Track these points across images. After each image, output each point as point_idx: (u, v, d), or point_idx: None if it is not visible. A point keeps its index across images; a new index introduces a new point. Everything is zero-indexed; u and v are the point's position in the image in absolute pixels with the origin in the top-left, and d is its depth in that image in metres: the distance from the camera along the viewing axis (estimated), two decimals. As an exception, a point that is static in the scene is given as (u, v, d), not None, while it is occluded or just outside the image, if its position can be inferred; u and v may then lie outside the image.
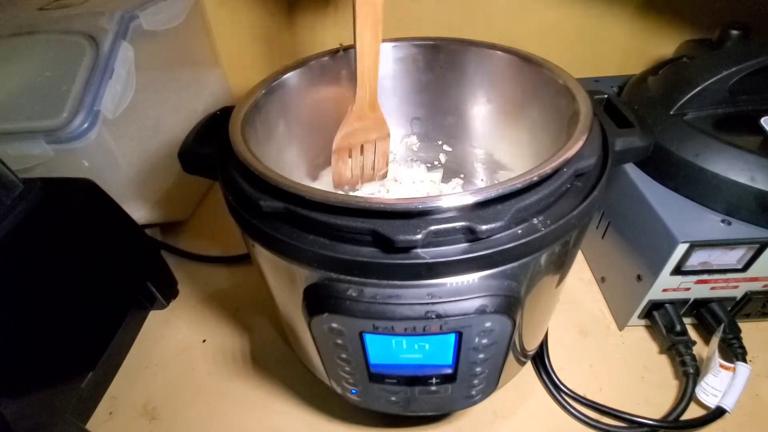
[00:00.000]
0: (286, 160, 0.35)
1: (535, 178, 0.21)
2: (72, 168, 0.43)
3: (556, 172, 0.23)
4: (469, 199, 0.21)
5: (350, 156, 0.37)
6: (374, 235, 0.21)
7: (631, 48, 0.62)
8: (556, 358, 0.39)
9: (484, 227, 0.20)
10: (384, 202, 0.21)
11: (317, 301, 0.23)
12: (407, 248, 0.21)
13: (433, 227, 0.20)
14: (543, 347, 0.39)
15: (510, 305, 0.23)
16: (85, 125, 0.41)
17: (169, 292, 0.47)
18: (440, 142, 0.43)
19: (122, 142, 0.46)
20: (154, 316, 0.46)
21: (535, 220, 0.22)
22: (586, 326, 0.42)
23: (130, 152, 0.48)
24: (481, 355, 0.25)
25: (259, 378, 0.41)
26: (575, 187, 0.24)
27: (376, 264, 0.21)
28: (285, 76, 0.33)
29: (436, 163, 0.43)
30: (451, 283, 0.22)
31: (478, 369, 0.26)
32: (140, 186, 0.50)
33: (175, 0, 0.53)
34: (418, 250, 0.21)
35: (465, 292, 0.22)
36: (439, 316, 0.22)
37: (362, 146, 0.37)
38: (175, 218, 0.56)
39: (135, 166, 0.49)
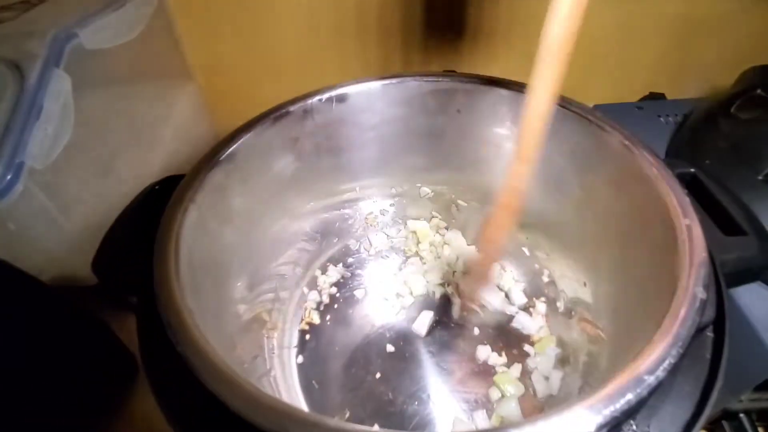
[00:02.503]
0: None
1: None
2: (-6, 232, 0.34)
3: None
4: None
5: None
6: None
7: (666, 60, 0.53)
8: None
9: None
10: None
11: None
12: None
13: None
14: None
15: None
16: (5, 182, 0.33)
17: (124, 376, 0.39)
18: (453, 196, 0.35)
19: (60, 193, 0.38)
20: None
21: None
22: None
23: (72, 203, 0.39)
24: None
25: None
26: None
27: None
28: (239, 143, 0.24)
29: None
30: None
31: None
32: (92, 240, 0.42)
33: (128, 10, 0.44)
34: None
35: None
36: None
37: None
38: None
39: (83, 216, 0.40)
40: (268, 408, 0.13)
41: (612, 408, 0.12)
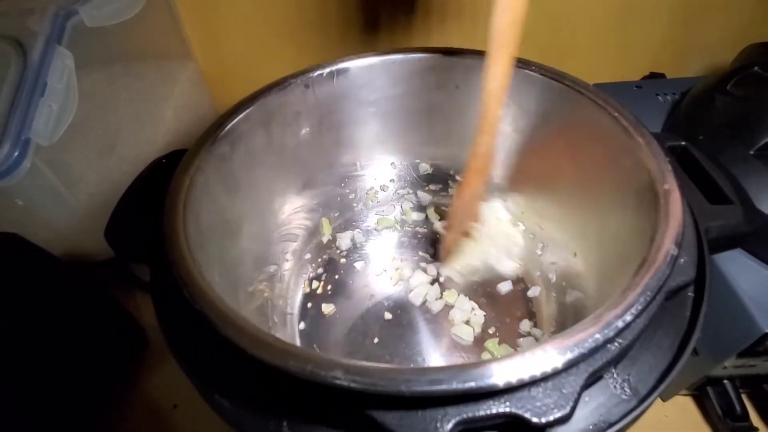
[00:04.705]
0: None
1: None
2: (3, 208, 0.35)
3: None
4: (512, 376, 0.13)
5: None
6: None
7: (668, 39, 0.52)
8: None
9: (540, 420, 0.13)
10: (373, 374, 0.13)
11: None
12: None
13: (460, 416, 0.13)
14: None
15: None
16: (12, 159, 0.33)
17: (134, 349, 0.40)
18: (452, 172, 0.35)
19: (66, 170, 0.38)
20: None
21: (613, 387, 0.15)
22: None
23: (78, 180, 0.40)
24: None
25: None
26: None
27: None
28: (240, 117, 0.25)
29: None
30: None
31: None
32: (97, 217, 0.42)
33: (127, -14, 0.43)
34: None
35: None
36: None
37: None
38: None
39: (88, 194, 0.41)
40: (285, 351, 0.14)
41: (581, 347, 0.14)
